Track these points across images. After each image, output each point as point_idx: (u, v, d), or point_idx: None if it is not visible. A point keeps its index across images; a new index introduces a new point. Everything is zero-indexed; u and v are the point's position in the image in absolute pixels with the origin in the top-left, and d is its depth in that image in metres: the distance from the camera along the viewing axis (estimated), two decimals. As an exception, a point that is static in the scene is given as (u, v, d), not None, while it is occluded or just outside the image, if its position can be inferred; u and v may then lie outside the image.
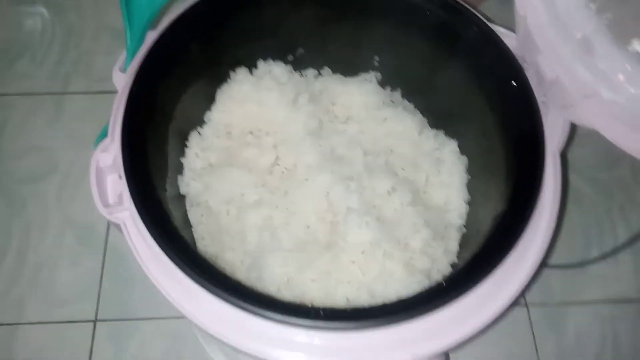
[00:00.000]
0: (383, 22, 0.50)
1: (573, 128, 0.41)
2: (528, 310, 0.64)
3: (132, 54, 0.43)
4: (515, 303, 0.63)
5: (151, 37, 0.43)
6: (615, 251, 0.65)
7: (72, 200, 0.69)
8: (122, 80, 0.42)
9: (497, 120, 0.43)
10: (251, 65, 0.54)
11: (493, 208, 0.44)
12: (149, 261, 0.36)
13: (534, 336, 0.63)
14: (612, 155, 0.73)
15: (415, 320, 0.33)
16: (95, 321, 0.63)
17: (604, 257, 0.65)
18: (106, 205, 0.37)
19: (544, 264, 0.66)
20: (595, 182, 0.71)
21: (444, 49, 0.48)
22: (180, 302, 0.35)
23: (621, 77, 0.36)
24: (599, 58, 0.37)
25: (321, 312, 0.32)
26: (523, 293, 0.61)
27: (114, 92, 0.73)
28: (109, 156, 0.39)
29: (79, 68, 0.79)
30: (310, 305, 0.35)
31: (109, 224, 0.68)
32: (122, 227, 0.37)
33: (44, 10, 0.84)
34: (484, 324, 0.35)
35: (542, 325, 0.63)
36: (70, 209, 0.69)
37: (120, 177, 0.39)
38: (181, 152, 0.51)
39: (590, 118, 0.37)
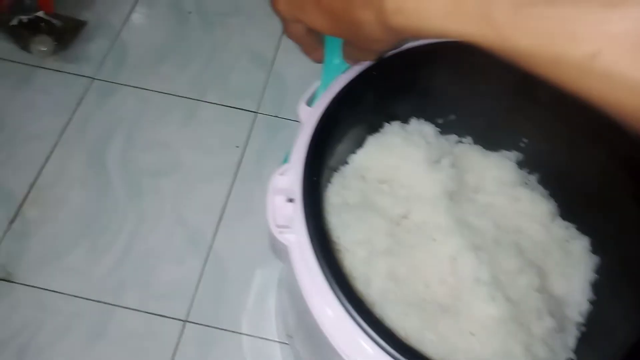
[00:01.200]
0: (546, 112, 0.51)
1: None
2: None
3: (320, 92, 0.46)
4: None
5: (338, 83, 0.46)
6: None
7: (187, 201, 0.73)
8: (306, 113, 0.45)
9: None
10: (404, 121, 0.56)
11: (625, 316, 0.44)
12: (307, 283, 0.37)
13: None
14: None
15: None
16: (185, 321, 0.65)
17: None
18: (277, 225, 0.40)
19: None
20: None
21: (601, 150, 0.49)
22: (326, 327, 0.36)
23: None
24: None
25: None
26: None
27: (243, 109, 0.78)
28: (286, 180, 0.41)
29: (217, 80, 0.84)
30: None
31: (216, 230, 0.71)
32: (289, 248, 0.39)
33: (196, 20, 0.91)
34: None
35: None
36: (184, 209, 0.73)
37: (289, 200, 0.42)
38: (325, 186, 0.54)
39: None
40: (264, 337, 0.65)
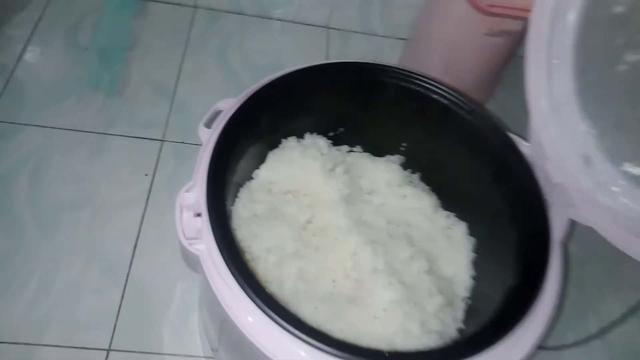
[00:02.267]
0: (416, 118, 0.60)
1: (573, 224, 0.50)
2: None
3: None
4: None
5: (234, 105, 0.51)
6: (587, 340, 0.73)
7: (101, 232, 0.74)
8: (206, 134, 0.49)
9: (510, 212, 0.52)
10: (300, 136, 0.62)
11: (499, 285, 0.52)
12: (221, 288, 0.41)
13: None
14: (585, 253, 0.84)
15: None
16: (108, 350, 0.66)
17: (577, 344, 0.73)
18: (187, 237, 0.44)
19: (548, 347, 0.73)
20: (571, 276, 0.81)
21: (467, 147, 0.58)
22: (244, 327, 0.40)
23: (615, 189, 0.45)
24: (597, 173, 0.47)
25: (386, 354, 0.38)
26: None
27: (150, 138, 0.80)
28: (192, 196, 0.45)
29: (122, 113, 0.86)
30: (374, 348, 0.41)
31: (132, 259, 0.72)
32: (200, 257, 0.43)
33: (93, 55, 0.92)
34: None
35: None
36: (98, 240, 0.73)
37: (197, 215, 0.46)
38: (232, 201, 0.58)
39: (590, 218, 0.47)
40: (189, 354, 0.67)
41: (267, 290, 0.53)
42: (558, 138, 0.51)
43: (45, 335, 0.65)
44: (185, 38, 0.97)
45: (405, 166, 0.66)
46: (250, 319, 0.41)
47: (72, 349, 0.65)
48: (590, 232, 0.85)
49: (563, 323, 0.76)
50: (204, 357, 0.67)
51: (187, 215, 0.46)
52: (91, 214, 0.75)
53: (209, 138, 0.50)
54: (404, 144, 0.65)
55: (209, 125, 0.51)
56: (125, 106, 0.87)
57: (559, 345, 0.73)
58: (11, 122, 0.82)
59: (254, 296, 0.41)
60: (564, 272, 0.47)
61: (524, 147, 0.54)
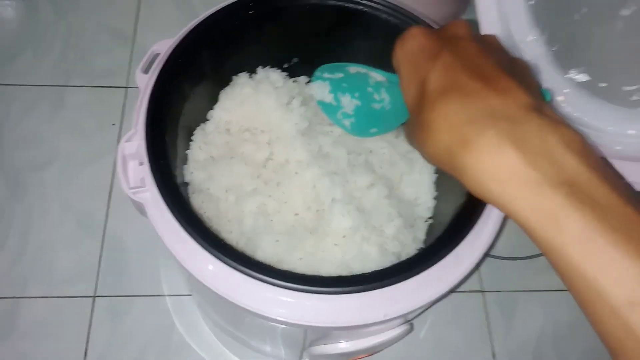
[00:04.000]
0: (365, 41, 0.57)
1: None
2: (484, 296, 0.73)
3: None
4: (473, 289, 0.72)
5: (168, 44, 0.49)
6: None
7: (73, 188, 0.75)
8: (144, 80, 0.48)
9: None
10: (251, 71, 0.61)
11: (455, 203, 0.52)
12: (167, 233, 0.42)
13: (487, 318, 0.72)
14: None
15: (387, 287, 0.41)
16: (94, 297, 0.68)
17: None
18: (130, 187, 0.44)
19: (499, 256, 0.75)
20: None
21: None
22: (193, 269, 0.42)
23: (560, 97, 0.44)
24: (543, 82, 0.46)
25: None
26: (476, 268, 0.70)
27: (113, 86, 0.79)
28: (133, 145, 0.45)
29: (80, 63, 0.84)
30: (300, 274, 0.42)
31: (107, 209, 0.74)
32: (145, 205, 0.43)
33: (46, 6, 0.88)
34: (440, 293, 0.43)
35: (495, 310, 0.72)
36: (71, 196, 0.74)
37: (141, 163, 0.46)
38: (187, 145, 0.58)
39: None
40: (174, 293, 0.70)
41: (223, 228, 0.55)
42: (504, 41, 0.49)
43: (28, 288, 0.68)
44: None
45: (364, 93, 0.64)
46: (210, 267, 0.42)
47: (58, 298, 0.68)
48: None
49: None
50: (188, 294, 0.70)
51: (133, 164, 0.46)
52: (59, 171, 0.76)
53: (146, 83, 0.48)
54: (361, 69, 0.63)
55: (146, 70, 0.50)
56: (83, 56, 0.85)
57: (533, 255, 0.75)
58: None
59: (191, 229, 0.42)
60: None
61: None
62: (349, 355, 0.54)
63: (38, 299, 0.67)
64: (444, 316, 0.71)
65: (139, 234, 0.72)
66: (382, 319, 0.41)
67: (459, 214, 0.46)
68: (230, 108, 0.60)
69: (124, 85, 0.83)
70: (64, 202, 0.74)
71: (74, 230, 0.72)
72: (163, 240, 0.42)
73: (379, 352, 0.63)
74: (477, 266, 0.46)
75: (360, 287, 0.40)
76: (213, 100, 0.60)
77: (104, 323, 0.67)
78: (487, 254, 0.45)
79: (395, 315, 0.41)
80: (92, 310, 0.67)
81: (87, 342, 0.66)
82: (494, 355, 0.69)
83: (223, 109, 0.61)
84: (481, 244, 0.44)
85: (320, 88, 0.57)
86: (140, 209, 0.45)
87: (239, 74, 0.60)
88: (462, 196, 0.50)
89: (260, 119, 0.61)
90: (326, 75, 0.56)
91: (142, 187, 0.44)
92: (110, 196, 0.74)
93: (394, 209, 0.56)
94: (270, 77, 0.61)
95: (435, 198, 0.60)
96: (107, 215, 0.73)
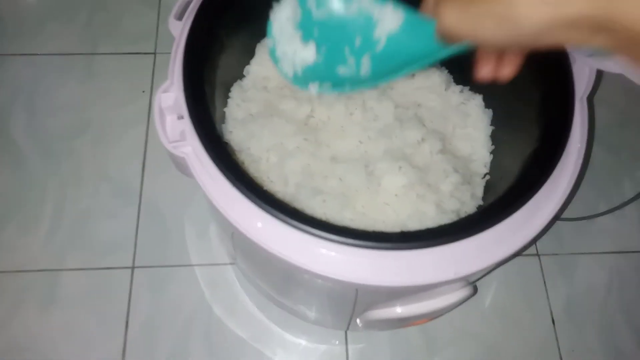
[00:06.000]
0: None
1: (598, 75, 0.44)
2: (540, 259, 0.68)
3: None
4: (529, 253, 0.67)
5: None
6: (622, 205, 0.69)
7: (107, 156, 0.73)
8: (177, 27, 0.45)
9: (530, 72, 0.46)
10: (290, 21, 0.56)
11: (518, 155, 0.48)
12: (211, 188, 0.39)
13: (545, 283, 0.67)
14: (621, 116, 0.78)
15: (461, 241, 0.37)
16: (133, 268, 0.66)
17: (611, 210, 0.69)
18: (170, 141, 0.41)
19: (556, 217, 0.70)
20: (604, 141, 0.75)
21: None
22: (240, 223, 0.38)
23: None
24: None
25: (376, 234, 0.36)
26: (537, 238, 0.65)
27: (141, 52, 0.76)
28: (170, 97, 0.42)
29: (107, 29, 0.81)
30: (368, 231, 0.38)
31: (142, 177, 0.71)
32: (187, 160, 0.40)
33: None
34: (517, 248, 0.38)
35: (553, 273, 0.67)
36: (105, 165, 0.72)
37: (179, 117, 0.43)
38: (224, 102, 0.54)
39: (613, 65, 0.41)
40: (213, 263, 0.67)
41: (268, 188, 0.51)
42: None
43: (67, 261, 0.66)
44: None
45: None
46: (239, 208, 0.38)
47: (96, 270, 0.66)
48: (624, 95, 0.78)
49: (597, 192, 0.72)
50: (229, 263, 0.67)
51: (171, 118, 0.43)
52: (92, 139, 0.73)
53: (181, 31, 0.45)
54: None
55: (180, 17, 0.46)
56: (110, 22, 0.81)
57: (592, 215, 0.70)
58: (-4, 55, 0.78)
59: (250, 194, 0.38)
60: (587, 130, 0.42)
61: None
62: (405, 321, 0.51)
63: (77, 270, 0.66)
64: (499, 281, 0.67)
65: (176, 201, 0.70)
66: (453, 277, 0.37)
67: (534, 159, 0.41)
68: (267, 62, 0.57)
69: (153, 52, 0.79)
70: (99, 170, 0.71)
71: (110, 199, 0.70)
72: (208, 195, 0.39)
73: (436, 317, 0.60)
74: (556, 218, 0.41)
75: (431, 241, 0.36)
76: (249, 55, 0.57)
77: (144, 294, 0.65)
78: (566, 204, 0.40)
79: (467, 273, 0.37)
80: (131, 282, 0.65)
81: (128, 314, 0.64)
82: (553, 322, 0.65)
83: (260, 64, 0.57)
84: (559, 192, 0.40)
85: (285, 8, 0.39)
86: (181, 164, 0.42)
87: (277, 25, 0.56)
88: (527, 146, 0.46)
89: (300, 74, 0.57)
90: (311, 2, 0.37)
91: (182, 140, 0.41)
92: (144, 164, 0.72)
93: (449, 165, 0.52)
94: (311, 28, 0.57)
95: (493, 153, 0.55)
96: (142, 183, 0.71)
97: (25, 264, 0.66)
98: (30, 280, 0.65)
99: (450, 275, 0.37)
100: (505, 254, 0.38)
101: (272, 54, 0.39)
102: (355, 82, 0.37)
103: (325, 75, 0.38)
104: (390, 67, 0.35)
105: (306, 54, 0.37)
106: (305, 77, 0.38)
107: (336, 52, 0.37)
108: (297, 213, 0.38)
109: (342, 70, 0.37)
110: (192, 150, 0.40)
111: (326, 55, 0.37)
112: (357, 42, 0.36)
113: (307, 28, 0.37)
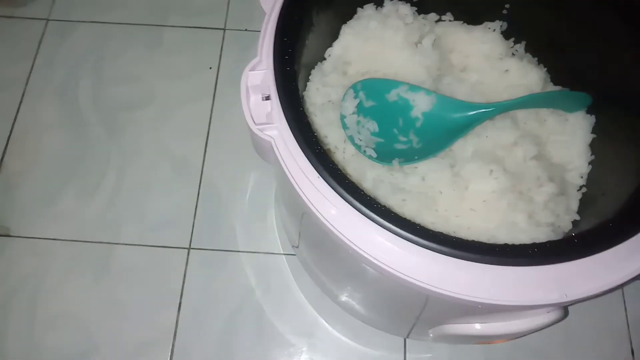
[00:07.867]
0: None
1: None
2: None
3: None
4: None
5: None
6: None
7: (169, 130, 0.71)
8: (269, 2, 0.42)
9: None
10: (378, 4, 0.53)
11: (626, 169, 0.43)
12: (298, 177, 0.36)
13: (626, 309, 0.62)
14: None
15: (572, 261, 0.33)
16: (189, 249, 0.64)
17: None
18: (256, 123, 0.38)
19: None
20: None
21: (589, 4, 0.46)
22: (323, 214, 0.35)
23: None
24: None
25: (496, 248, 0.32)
26: None
27: (210, 27, 0.74)
28: (258, 75, 0.39)
29: (177, 1, 0.79)
30: (469, 240, 0.35)
31: (204, 154, 0.69)
32: (273, 144, 0.37)
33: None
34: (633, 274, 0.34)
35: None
36: (167, 139, 0.70)
37: (264, 97, 0.40)
38: (304, 86, 0.51)
39: None
40: (269, 251, 0.65)
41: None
42: None
43: (122, 234, 0.65)
44: None
45: (507, 34, 0.55)
46: (333, 211, 0.35)
47: (152, 247, 0.64)
48: None
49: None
50: (284, 254, 0.65)
51: (255, 99, 0.40)
52: (155, 112, 0.72)
53: (272, 6, 0.42)
54: (507, 6, 0.53)
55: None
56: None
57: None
58: (67, 20, 0.78)
59: (336, 185, 0.35)
60: None
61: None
62: (482, 339, 0.47)
63: (133, 246, 0.64)
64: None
65: (235, 185, 0.68)
66: (558, 300, 0.33)
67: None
68: (351, 45, 0.53)
69: (222, 27, 0.77)
70: (160, 144, 0.70)
71: (170, 174, 0.68)
72: (294, 185, 0.36)
73: (518, 338, 0.56)
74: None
75: (544, 259, 0.32)
76: (332, 37, 0.53)
77: (198, 277, 0.63)
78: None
79: (578, 297, 0.33)
80: (186, 263, 0.64)
81: (181, 295, 0.62)
82: (632, 353, 0.59)
83: (343, 47, 0.53)
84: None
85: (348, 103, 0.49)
86: (263, 148, 0.39)
87: (365, 6, 0.52)
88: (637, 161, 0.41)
89: (382, 60, 0.53)
90: (361, 94, 0.49)
91: (269, 123, 0.38)
92: (207, 142, 0.70)
93: (544, 173, 0.47)
94: (400, 11, 0.53)
95: (592, 163, 0.50)
96: (203, 163, 0.69)
97: (80, 234, 0.65)
98: (85, 250, 0.64)
99: (554, 297, 0.33)
100: (623, 278, 0.33)
101: (352, 140, 0.47)
102: (412, 155, 0.47)
103: (391, 152, 0.47)
104: (435, 137, 0.47)
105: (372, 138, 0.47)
106: (381, 155, 0.47)
107: (389, 132, 0.48)
108: (386, 210, 0.35)
109: (399, 146, 0.48)
110: (279, 133, 0.37)
111: (384, 136, 0.48)
112: (400, 122, 0.48)
113: (365, 115, 0.48)
